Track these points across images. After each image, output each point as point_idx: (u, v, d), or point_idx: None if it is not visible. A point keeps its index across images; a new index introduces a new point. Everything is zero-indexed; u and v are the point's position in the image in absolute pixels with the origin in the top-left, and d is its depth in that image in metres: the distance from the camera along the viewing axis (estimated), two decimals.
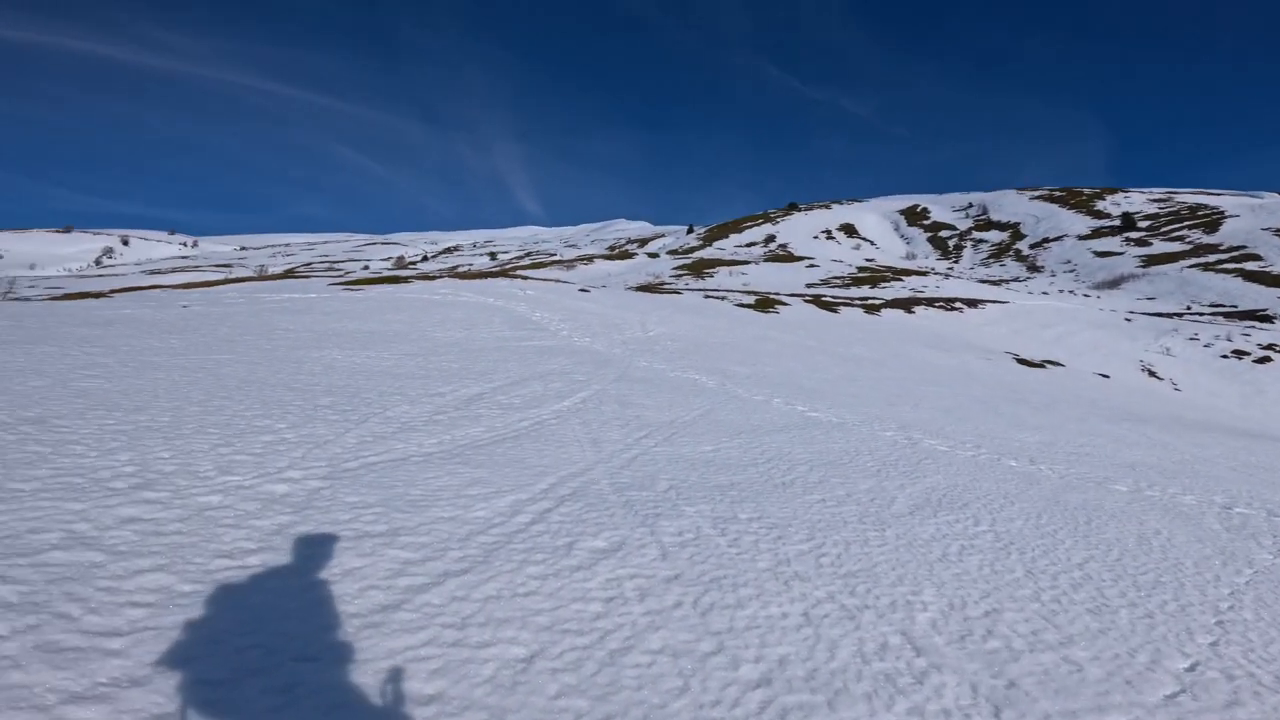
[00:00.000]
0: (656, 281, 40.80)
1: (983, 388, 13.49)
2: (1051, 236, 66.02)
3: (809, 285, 40.78)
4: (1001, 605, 3.27)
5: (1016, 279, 53.56)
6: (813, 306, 27.56)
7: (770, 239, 72.45)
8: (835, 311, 27.13)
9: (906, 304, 30.94)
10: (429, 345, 9.57)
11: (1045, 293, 42.69)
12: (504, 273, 33.02)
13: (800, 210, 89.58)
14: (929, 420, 8.57)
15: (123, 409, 4.62)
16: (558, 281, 26.41)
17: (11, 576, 2.29)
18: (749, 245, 69.67)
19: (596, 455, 5.02)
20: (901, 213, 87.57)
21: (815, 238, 73.45)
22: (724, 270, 46.73)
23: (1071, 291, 44.50)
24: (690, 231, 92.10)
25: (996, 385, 14.36)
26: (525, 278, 26.00)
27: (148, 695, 1.85)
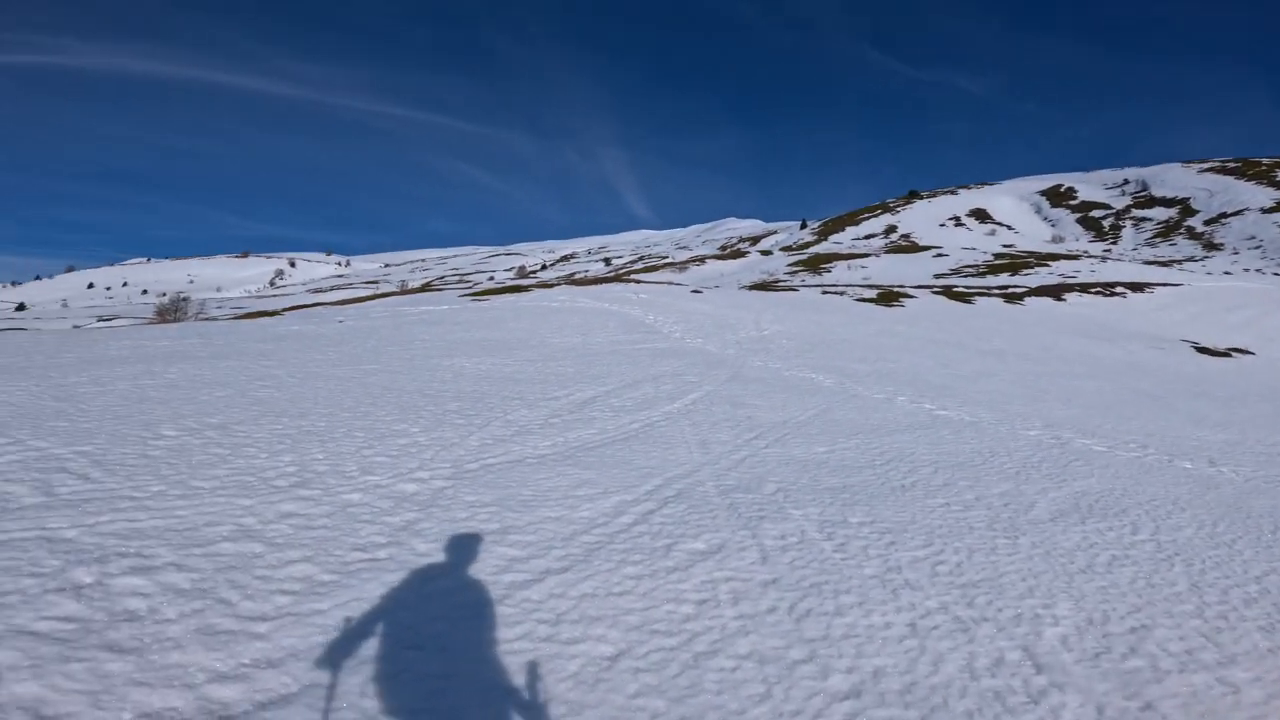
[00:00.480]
0: (771, 279, 39.96)
1: (1153, 381, 11.98)
2: (1229, 211, 57.56)
3: (937, 276, 38.15)
4: (1153, 621, 2.91)
5: (1191, 259, 46.97)
6: (942, 298, 25.78)
7: (891, 229, 68.43)
8: (969, 302, 25.20)
9: (1055, 291, 28.08)
10: (547, 351, 10.02)
11: (1228, 272, 37.10)
12: (618, 278, 33.73)
13: (922, 198, 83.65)
14: (1082, 418, 7.76)
15: (289, 415, 5.26)
16: (670, 284, 26.65)
17: (187, 565, 2.68)
18: (867, 237, 66.26)
19: (704, 457, 5.03)
20: (1043, 194, 79.53)
21: (942, 225, 68.42)
22: (842, 264, 44.87)
23: (1259, 270, 38.35)
24: (804, 227, 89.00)
25: (1171, 378, 12.69)
26: (638, 281, 26.48)
27: (279, 676, 2.09)
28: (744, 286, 32.29)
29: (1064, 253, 48.96)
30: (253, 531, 3.03)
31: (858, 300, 24.04)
